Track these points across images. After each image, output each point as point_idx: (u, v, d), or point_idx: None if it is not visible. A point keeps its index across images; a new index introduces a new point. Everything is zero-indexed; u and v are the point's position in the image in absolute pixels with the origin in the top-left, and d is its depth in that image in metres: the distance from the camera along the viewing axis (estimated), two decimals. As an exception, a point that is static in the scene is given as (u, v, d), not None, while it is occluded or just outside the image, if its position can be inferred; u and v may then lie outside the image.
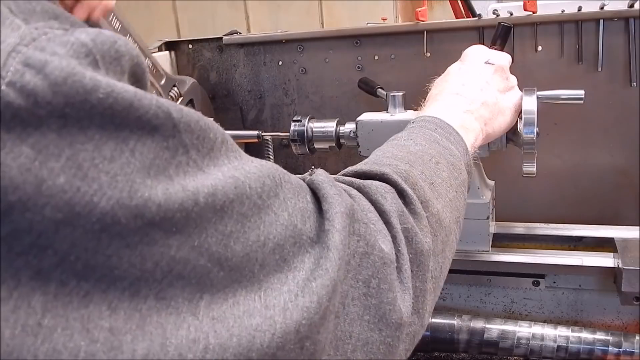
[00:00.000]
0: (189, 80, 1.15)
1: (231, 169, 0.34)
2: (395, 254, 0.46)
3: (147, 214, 0.29)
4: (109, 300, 0.28)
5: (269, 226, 0.35)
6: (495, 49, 0.84)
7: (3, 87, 0.27)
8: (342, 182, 0.50)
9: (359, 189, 0.49)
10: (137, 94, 0.30)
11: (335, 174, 0.53)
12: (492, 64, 0.76)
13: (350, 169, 0.55)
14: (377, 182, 0.51)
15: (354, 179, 0.51)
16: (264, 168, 0.37)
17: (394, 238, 0.46)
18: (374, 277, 0.42)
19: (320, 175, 0.44)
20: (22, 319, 0.26)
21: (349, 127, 0.97)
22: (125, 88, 0.30)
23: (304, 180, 0.43)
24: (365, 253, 0.42)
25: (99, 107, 0.28)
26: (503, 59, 0.78)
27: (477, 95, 0.72)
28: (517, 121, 0.79)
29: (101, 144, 0.28)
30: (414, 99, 0.86)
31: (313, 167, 0.47)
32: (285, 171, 0.39)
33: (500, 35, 0.91)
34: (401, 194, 0.51)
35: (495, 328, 0.93)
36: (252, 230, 0.34)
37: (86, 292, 0.27)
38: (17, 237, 0.26)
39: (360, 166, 0.55)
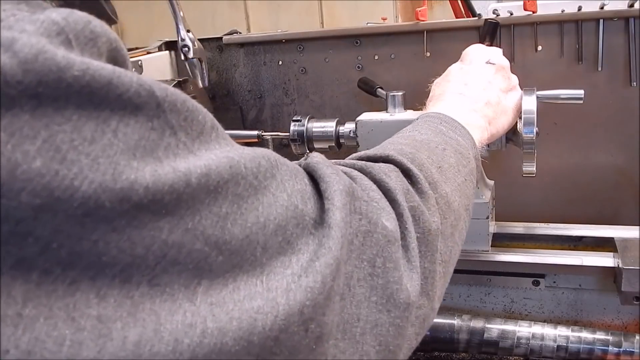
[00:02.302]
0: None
1: (224, 151, 0.33)
2: (402, 231, 0.44)
3: (133, 196, 0.27)
4: (97, 287, 0.27)
5: (267, 207, 0.34)
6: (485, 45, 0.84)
7: None
8: (344, 165, 0.48)
9: (361, 170, 0.48)
10: (115, 71, 0.28)
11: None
12: (494, 64, 0.76)
13: (353, 155, 0.54)
14: (381, 163, 0.50)
15: (356, 162, 0.49)
16: (258, 150, 0.36)
17: (399, 216, 0.45)
18: (379, 255, 0.41)
19: (315, 158, 0.43)
20: (0, 309, 0.24)
21: (349, 127, 0.97)
22: (102, 66, 0.28)
23: (299, 165, 0.42)
24: (368, 231, 0.41)
25: (75, 85, 0.26)
26: (504, 58, 0.78)
27: (481, 94, 0.72)
28: (517, 121, 0.79)
29: (80, 124, 0.27)
30: (414, 99, 0.86)
31: (308, 152, 0.46)
32: (279, 155, 0.38)
33: (487, 32, 0.91)
34: (406, 173, 0.50)
35: (495, 328, 0.92)
36: (249, 212, 0.33)
37: (72, 280, 0.26)
38: None
39: (364, 152, 0.54)
